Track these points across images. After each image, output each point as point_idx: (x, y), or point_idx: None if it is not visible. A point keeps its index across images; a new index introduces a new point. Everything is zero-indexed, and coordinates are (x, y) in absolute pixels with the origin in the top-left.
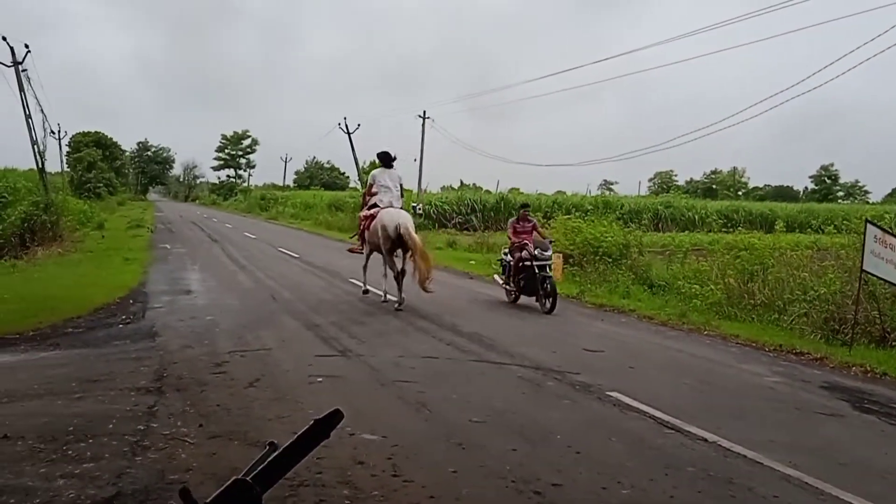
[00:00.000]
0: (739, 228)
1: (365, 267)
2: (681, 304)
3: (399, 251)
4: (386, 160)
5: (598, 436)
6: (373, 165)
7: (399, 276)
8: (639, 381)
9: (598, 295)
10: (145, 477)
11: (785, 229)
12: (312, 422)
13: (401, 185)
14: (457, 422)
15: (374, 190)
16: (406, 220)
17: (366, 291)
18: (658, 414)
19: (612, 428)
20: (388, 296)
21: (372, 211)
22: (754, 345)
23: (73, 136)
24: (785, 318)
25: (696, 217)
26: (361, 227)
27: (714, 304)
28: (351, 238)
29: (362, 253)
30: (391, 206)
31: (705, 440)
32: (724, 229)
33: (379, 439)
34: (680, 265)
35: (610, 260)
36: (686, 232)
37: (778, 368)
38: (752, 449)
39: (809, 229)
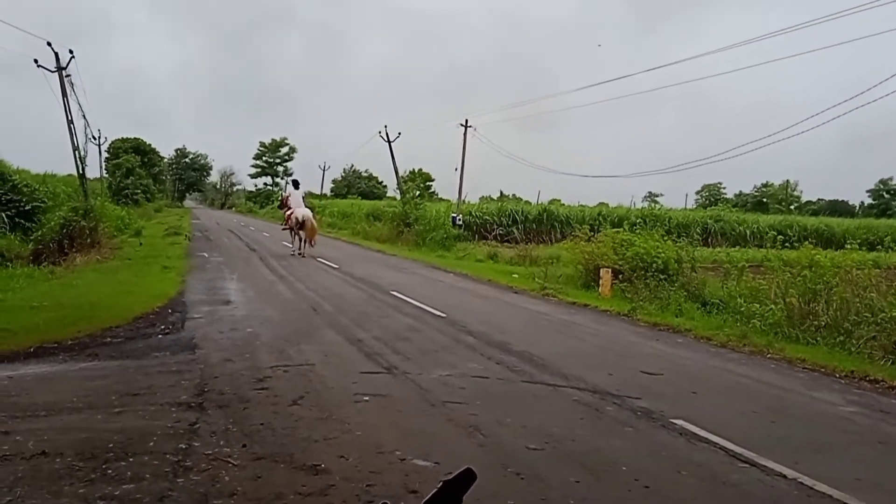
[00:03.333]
0: (798, 244)
1: (292, 240)
2: (739, 324)
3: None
4: (296, 185)
5: (666, 468)
6: (412, 175)
7: (303, 242)
8: (704, 408)
9: (650, 313)
10: (187, 501)
11: (858, 247)
12: (441, 483)
13: (303, 198)
14: (513, 448)
15: (289, 202)
16: (307, 214)
17: (298, 254)
18: (729, 445)
19: (680, 459)
20: (297, 252)
21: (292, 211)
22: (823, 370)
23: (112, 142)
24: (852, 341)
25: (748, 232)
26: (287, 218)
27: (774, 324)
28: (282, 224)
29: (288, 229)
30: (299, 208)
31: (784, 476)
32: (777, 245)
33: (431, 466)
34: (736, 282)
35: (662, 276)
36: (737, 247)
37: (852, 397)
38: (838, 488)
39: (868, 246)
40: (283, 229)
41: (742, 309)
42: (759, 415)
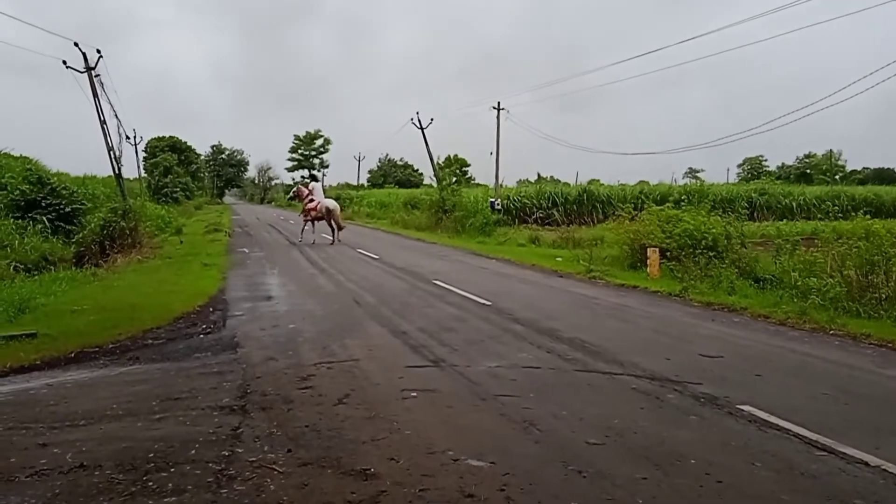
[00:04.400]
0: (849, 215)
1: (303, 230)
2: (795, 300)
3: (332, 221)
4: (314, 178)
5: (738, 460)
6: (448, 161)
7: (335, 232)
8: (771, 392)
9: (703, 292)
10: None
11: None
12: None
13: (323, 189)
14: (572, 444)
15: (313, 194)
16: (333, 204)
17: (310, 242)
18: (802, 431)
19: (752, 449)
20: (313, 241)
21: (314, 203)
22: (890, 345)
23: (148, 142)
24: None
25: (794, 204)
26: (307, 209)
27: (833, 299)
28: (301, 213)
29: (305, 220)
30: (324, 199)
31: (866, 464)
32: (831, 216)
33: (487, 466)
34: (789, 257)
35: (712, 254)
36: (784, 220)
37: None
38: None
39: None
40: (307, 220)
41: (798, 284)
42: (830, 397)
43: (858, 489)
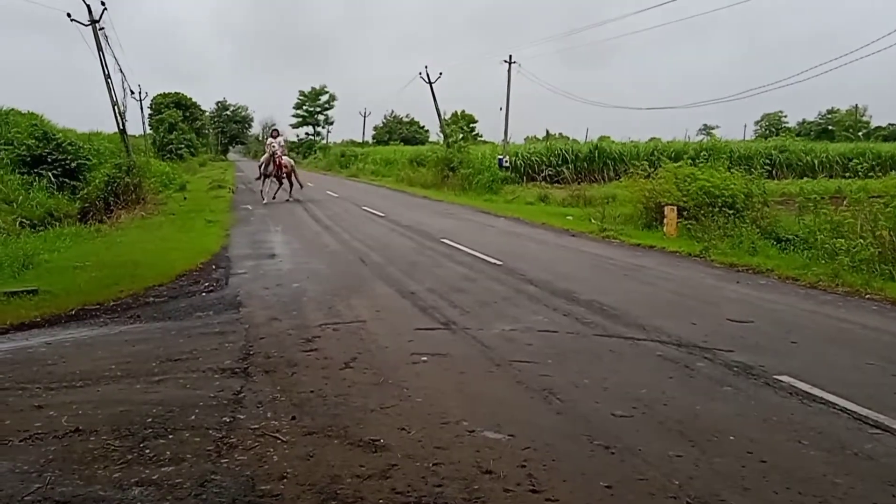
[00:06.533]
0: (875, 173)
1: (262, 190)
2: (824, 262)
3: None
4: (274, 134)
5: (781, 437)
6: (455, 117)
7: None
8: (809, 361)
9: (724, 252)
10: (232, 486)
11: None
12: None
13: (284, 143)
14: (596, 416)
15: (267, 148)
16: (287, 160)
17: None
18: (851, 406)
19: (796, 425)
20: (273, 198)
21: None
22: None
23: (153, 98)
24: None
25: (816, 162)
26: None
27: (865, 261)
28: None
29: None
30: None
31: None
32: (848, 175)
33: (505, 439)
34: (814, 216)
35: (731, 212)
36: (805, 178)
37: None
38: None
39: None
40: (259, 177)
41: (826, 245)
42: (876, 367)
43: None
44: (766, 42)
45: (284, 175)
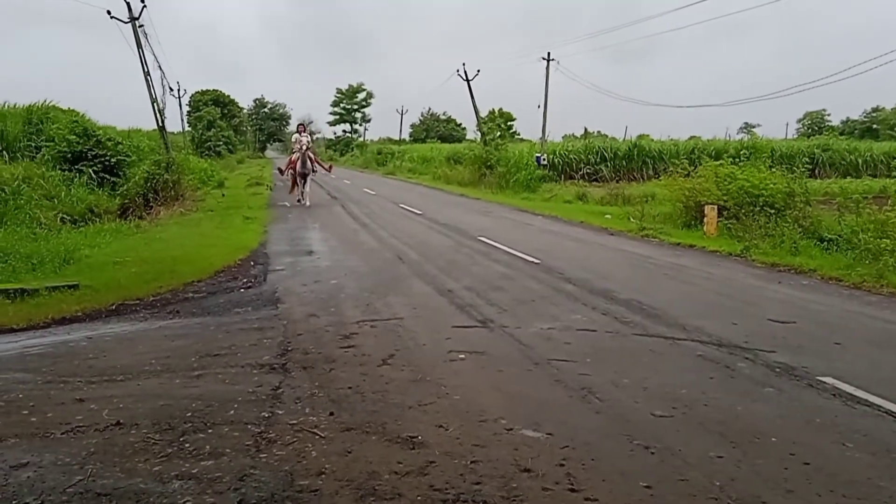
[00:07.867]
0: None
1: (292, 189)
2: (868, 262)
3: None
4: (300, 129)
5: (825, 439)
6: (492, 115)
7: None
8: (854, 363)
9: (765, 252)
10: (271, 481)
11: None
12: None
13: (310, 139)
14: (636, 416)
15: (295, 145)
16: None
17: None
18: None
19: (840, 428)
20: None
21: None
22: None
23: (192, 96)
24: None
25: (860, 161)
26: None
27: None
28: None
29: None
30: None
31: None
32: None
33: (544, 437)
34: (856, 216)
35: (772, 211)
36: (848, 178)
37: None
38: None
39: None
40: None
41: (870, 246)
42: None
43: None
44: (809, 38)
45: (312, 171)
